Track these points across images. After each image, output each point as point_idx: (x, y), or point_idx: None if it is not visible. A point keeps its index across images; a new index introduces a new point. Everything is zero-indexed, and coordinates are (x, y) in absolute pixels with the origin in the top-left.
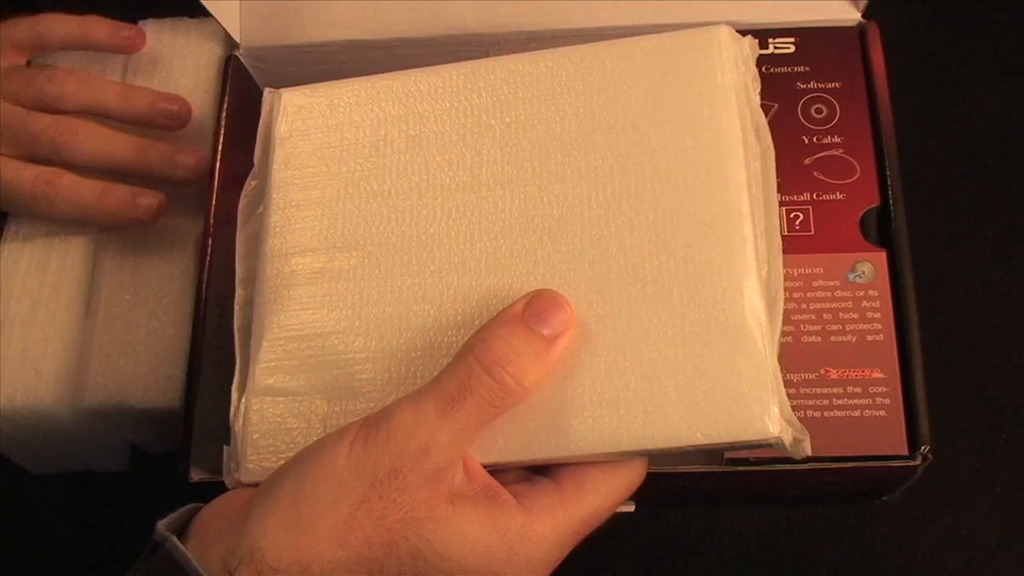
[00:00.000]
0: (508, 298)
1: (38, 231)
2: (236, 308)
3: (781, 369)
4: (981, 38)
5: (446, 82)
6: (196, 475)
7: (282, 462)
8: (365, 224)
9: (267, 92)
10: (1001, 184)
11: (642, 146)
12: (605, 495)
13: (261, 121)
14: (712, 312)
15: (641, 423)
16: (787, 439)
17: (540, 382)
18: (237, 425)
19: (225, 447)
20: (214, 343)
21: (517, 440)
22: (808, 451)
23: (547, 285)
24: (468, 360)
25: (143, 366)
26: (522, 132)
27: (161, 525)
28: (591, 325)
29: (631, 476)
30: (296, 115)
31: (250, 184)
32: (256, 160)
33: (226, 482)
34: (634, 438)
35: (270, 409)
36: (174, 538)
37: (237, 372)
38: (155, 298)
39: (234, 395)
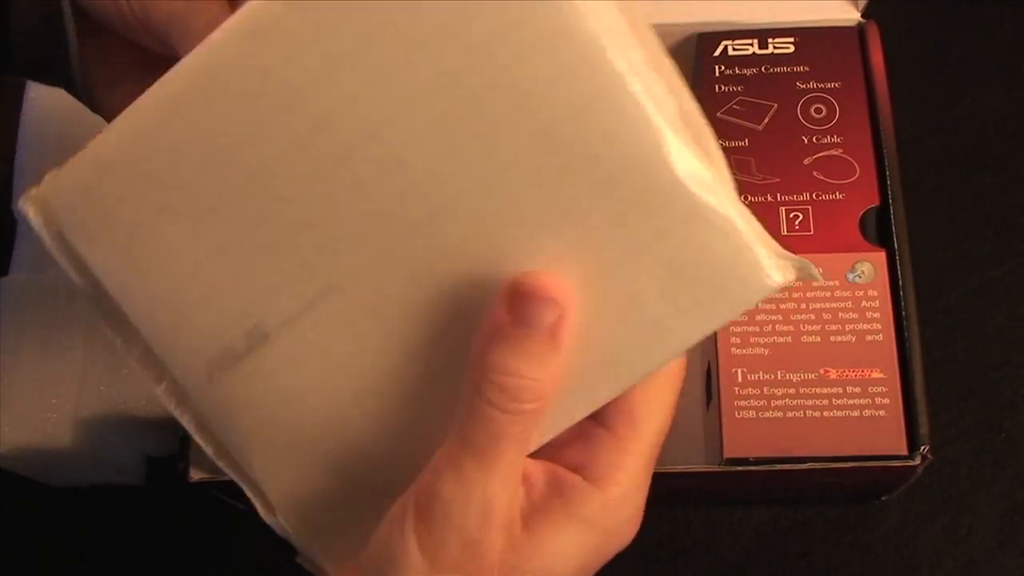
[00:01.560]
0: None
1: (45, 263)
2: (196, 438)
3: (781, 369)
4: (981, 38)
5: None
6: (196, 475)
7: (354, 547)
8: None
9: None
10: (1001, 184)
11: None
12: (659, 412)
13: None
14: (647, 198)
15: (647, 344)
16: (792, 276)
17: (561, 373)
18: (293, 540)
19: (297, 558)
20: None
21: (546, 419)
22: (816, 275)
23: (470, 267)
24: (482, 406)
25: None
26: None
27: None
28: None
29: (674, 378)
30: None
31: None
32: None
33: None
34: (648, 361)
35: (314, 517)
36: None
37: (251, 495)
38: None
39: (266, 518)
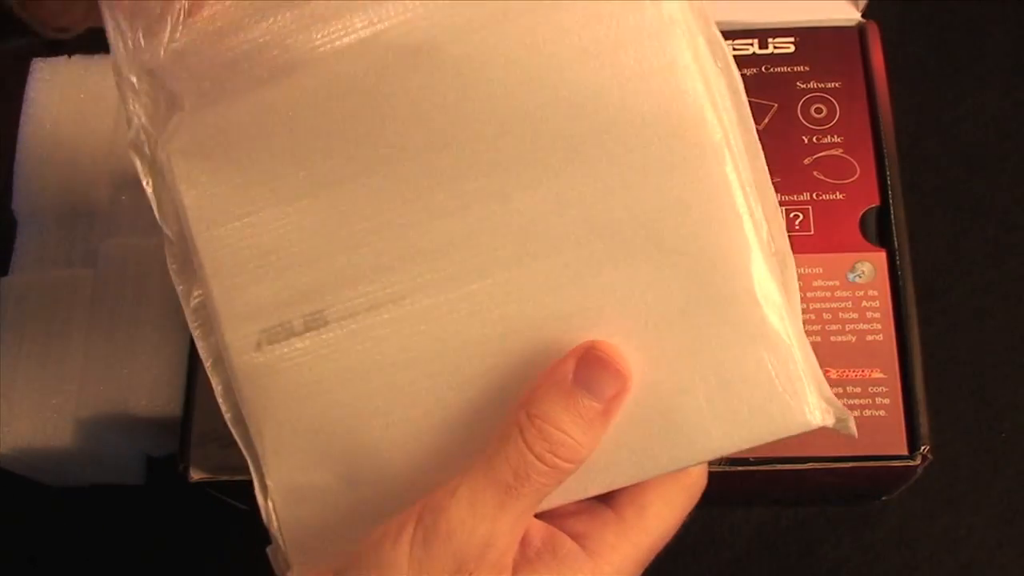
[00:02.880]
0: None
1: (45, 263)
2: (219, 400)
3: None
4: (981, 38)
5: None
6: (196, 475)
7: (332, 557)
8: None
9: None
10: (1001, 184)
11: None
12: (669, 517)
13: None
14: (721, 305)
15: (678, 441)
16: (830, 422)
17: (595, 447)
18: (273, 528)
19: (268, 548)
20: None
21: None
22: (854, 430)
23: (536, 318)
24: (520, 446)
25: (146, 375)
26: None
27: None
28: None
29: (692, 491)
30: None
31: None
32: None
33: None
34: (673, 458)
35: (304, 511)
36: None
37: (252, 470)
38: (157, 308)
39: (258, 496)
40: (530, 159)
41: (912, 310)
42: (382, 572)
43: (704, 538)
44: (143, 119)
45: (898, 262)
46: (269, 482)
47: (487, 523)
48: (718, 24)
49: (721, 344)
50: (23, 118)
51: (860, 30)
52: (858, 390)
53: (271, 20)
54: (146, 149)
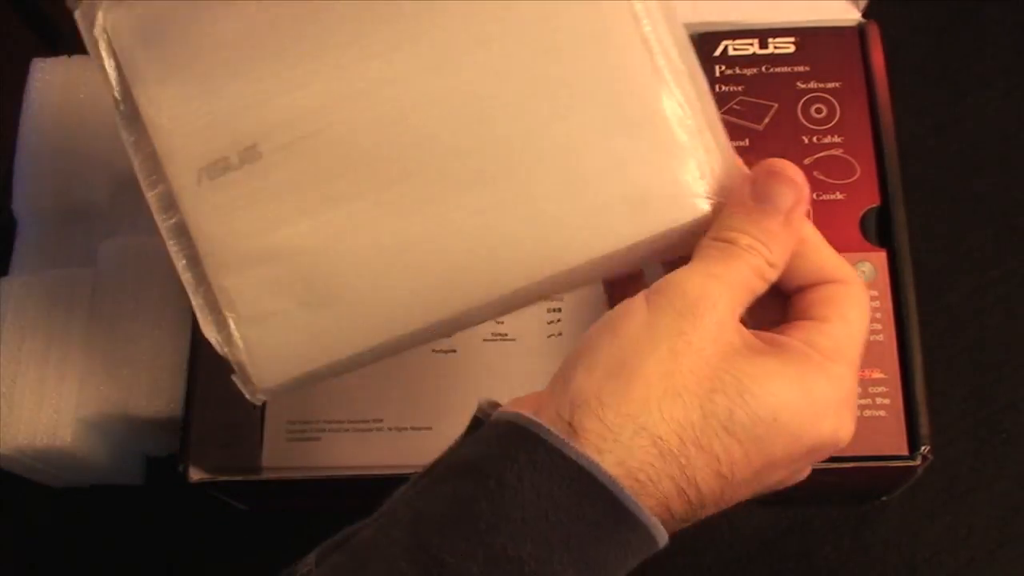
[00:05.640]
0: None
1: (44, 263)
2: (172, 251)
3: None
4: (981, 38)
5: None
6: (196, 475)
7: (298, 373)
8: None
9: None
10: (1001, 184)
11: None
12: (864, 331)
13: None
14: (619, 109)
15: (582, 232)
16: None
17: (788, 255)
18: (235, 355)
19: (233, 375)
20: None
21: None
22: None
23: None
24: (718, 244)
25: (146, 376)
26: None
27: (479, 407)
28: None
29: (868, 314)
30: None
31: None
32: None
33: (252, 399)
34: (580, 249)
35: (268, 337)
36: (502, 408)
37: (203, 308)
38: (156, 308)
39: (211, 331)
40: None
41: (912, 310)
42: (627, 319)
43: (704, 538)
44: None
45: (898, 262)
46: (228, 313)
47: (705, 284)
48: (718, 24)
49: (624, 139)
50: (23, 118)
51: (860, 30)
52: (859, 390)
53: None
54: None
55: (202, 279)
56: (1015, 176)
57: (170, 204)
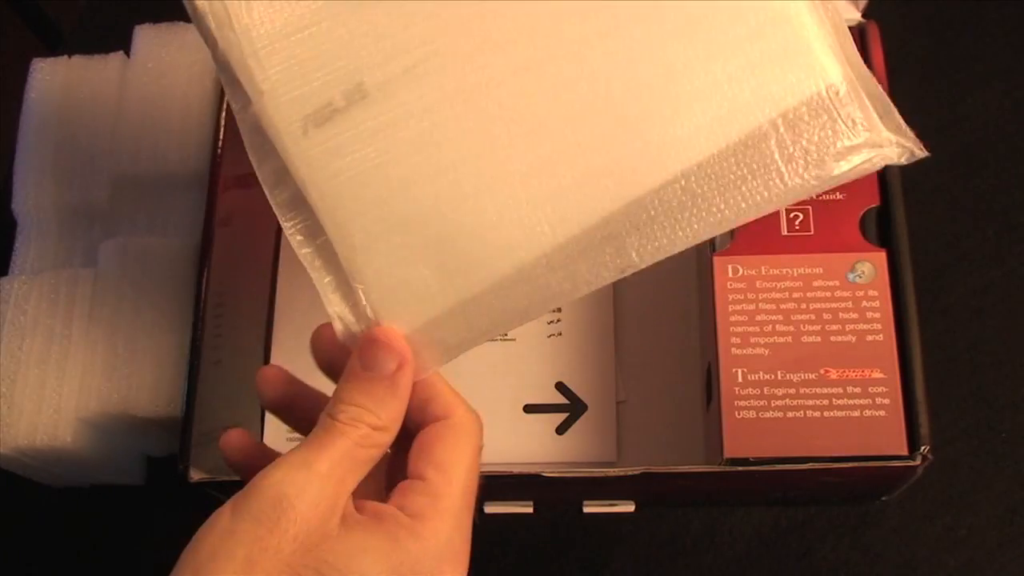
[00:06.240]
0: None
1: (45, 263)
2: (282, 219)
3: (781, 369)
4: (981, 38)
5: None
6: (196, 475)
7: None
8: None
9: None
10: (1001, 184)
11: None
12: (463, 462)
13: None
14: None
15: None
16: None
17: (398, 415)
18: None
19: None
20: (212, 343)
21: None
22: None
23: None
24: (324, 422)
25: (147, 376)
26: None
27: None
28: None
29: (472, 439)
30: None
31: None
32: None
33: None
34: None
35: (402, 306)
36: None
37: (320, 284)
38: (156, 308)
39: (339, 306)
40: None
41: (912, 310)
42: (208, 529)
43: (704, 538)
44: None
45: (898, 262)
46: (358, 284)
47: (298, 479)
48: None
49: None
50: (23, 118)
51: (860, 30)
52: (858, 390)
53: None
54: None
55: (321, 250)
56: (1015, 176)
57: (280, 179)
